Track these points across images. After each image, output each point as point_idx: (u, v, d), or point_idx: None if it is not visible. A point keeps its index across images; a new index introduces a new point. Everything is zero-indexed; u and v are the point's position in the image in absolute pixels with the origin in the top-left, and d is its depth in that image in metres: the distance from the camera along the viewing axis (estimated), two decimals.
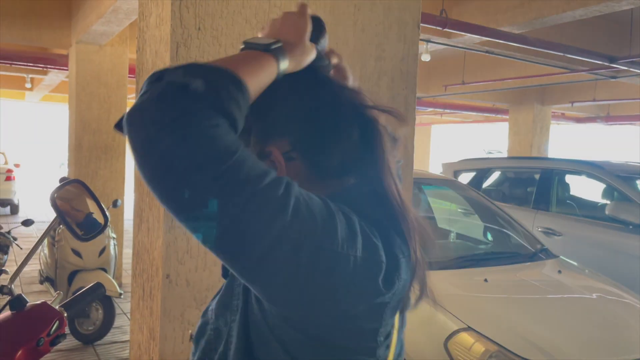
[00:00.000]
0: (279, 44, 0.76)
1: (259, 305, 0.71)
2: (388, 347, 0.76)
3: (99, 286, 1.29)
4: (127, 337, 4.08)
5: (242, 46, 0.77)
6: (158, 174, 0.61)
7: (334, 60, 0.89)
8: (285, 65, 0.76)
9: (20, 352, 1.08)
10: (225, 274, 0.84)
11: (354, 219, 0.70)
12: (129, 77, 6.11)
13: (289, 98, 0.79)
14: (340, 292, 0.67)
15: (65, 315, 1.19)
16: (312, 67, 0.81)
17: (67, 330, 1.20)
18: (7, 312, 1.16)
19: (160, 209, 1.77)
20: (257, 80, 0.71)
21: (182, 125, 0.60)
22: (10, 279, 1.16)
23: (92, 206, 1.24)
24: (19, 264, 1.20)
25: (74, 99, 5.83)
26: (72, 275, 4.12)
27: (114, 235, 4.71)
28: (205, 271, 1.80)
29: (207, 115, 0.61)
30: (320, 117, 0.79)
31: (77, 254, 4.13)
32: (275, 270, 0.64)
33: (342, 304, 0.68)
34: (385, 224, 0.75)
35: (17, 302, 1.15)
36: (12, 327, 1.11)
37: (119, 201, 4.78)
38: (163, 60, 1.76)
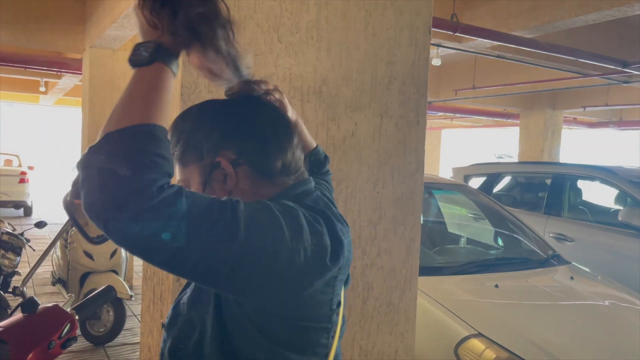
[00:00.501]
0: (153, 44, 0.79)
1: (233, 299, 0.83)
2: (338, 314, 0.92)
3: (110, 289, 1.30)
4: (137, 339, 4.11)
5: (131, 57, 0.81)
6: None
7: (276, 95, 1.01)
8: (177, 65, 0.82)
9: (31, 355, 1.09)
10: None
11: (299, 212, 0.84)
12: None
13: (229, 118, 0.93)
14: (300, 277, 0.81)
15: (77, 318, 1.20)
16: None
17: (78, 332, 1.21)
18: (19, 315, 1.17)
19: None
20: (167, 103, 0.79)
21: (133, 204, 0.68)
22: (23, 281, 1.17)
23: None
24: (31, 265, 1.21)
25: (87, 103, 5.89)
26: (84, 277, 4.16)
27: None
28: None
29: (145, 194, 0.68)
30: (259, 130, 0.93)
31: (89, 256, 4.17)
32: (244, 279, 0.76)
33: (303, 285, 0.83)
34: (327, 212, 0.90)
35: (29, 305, 1.16)
36: (23, 330, 1.12)
37: None
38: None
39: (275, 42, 1.84)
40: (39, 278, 5.47)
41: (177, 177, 0.93)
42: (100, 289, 1.29)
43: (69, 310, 1.20)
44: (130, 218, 0.66)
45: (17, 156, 11.51)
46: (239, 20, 1.77)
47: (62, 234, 1.26)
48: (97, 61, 5.75)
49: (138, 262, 6.08)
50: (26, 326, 1.13)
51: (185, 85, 1.72)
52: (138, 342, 4.03)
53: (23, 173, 10.24)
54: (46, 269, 5.05)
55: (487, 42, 5.04)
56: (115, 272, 4.44)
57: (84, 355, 3.82)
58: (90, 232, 1.21)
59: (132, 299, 4.00)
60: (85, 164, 0.70)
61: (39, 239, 7.05)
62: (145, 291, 2.04)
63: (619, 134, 14.52)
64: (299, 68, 1.88)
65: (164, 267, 0.73)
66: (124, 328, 4.13)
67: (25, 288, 1.17)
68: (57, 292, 4.70)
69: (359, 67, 1.95)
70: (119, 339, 4.09)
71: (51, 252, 4.27)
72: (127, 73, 5.40)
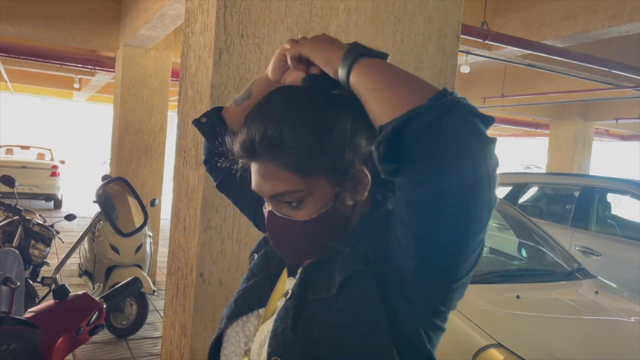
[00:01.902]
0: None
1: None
2: None
3: (136, 281, 1.34)
4: (159, 334, 4.18)
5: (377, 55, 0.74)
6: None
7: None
8: None
9: (61, 340, 1.14)
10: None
11: None
12: (172, 80, 6.28)
13: (357, 115, 0.77)
14: None
15: (104, 306, 1.25)
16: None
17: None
18: (50, 301, 1.22)
19: (197, 210, 1.82)
20: None
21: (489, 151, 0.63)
22: (55, 269, 1.22)
23: (133, 204, 1.29)
24: (59, 256, 1.26)
25: (118, 100, 6.03)
26: (109, 271, 4.26)
27: (150, 234, 4.83)
28: (237, 272, 1.84)
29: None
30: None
31: (115, 250, 4.26)
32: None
33: None
34: None
35: (60, 292, 1.21)
36: (55, 315, 1.16)
37: (157, 200, 4.90)
38: (206, 65, 1.81)
39: None
40: (66, 270, 5.61)
41: (276, 190, 0.78)
42: (127, 281, 1.34)
43: (97, 299, 1.24)
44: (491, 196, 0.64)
45: (49, 150, 11.83)
46: (269, 23, 1.82)
47: (92, 227, 1.30)
48: (129, 59, 5.88)
49: (162, 258, 6.19)
50: (57, 312, 1.17)
51: (215, 86, 1.77)
52: (159, 336, 4.10)
53: (55, 167, 10.51)
54: (73, 261, 5.17)
55: (517, 51, 4.98)
56: (140, 266, 4.54)
57: (107, 346, 3.91)
58: (120, 226, 1.25)
59: (155, 293, 4.08)
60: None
61: (68, 232, 7.24)
62: (169, 286, 2.09)
63: None
64: None
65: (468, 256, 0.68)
66: (146, 322, 4.21)
67: (58, 276, 1.22)
68: (83, 284, 4.82)
69: None
70: (141, 332, 4.17)
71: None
72: (157, 72, 5.47)
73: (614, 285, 3.27)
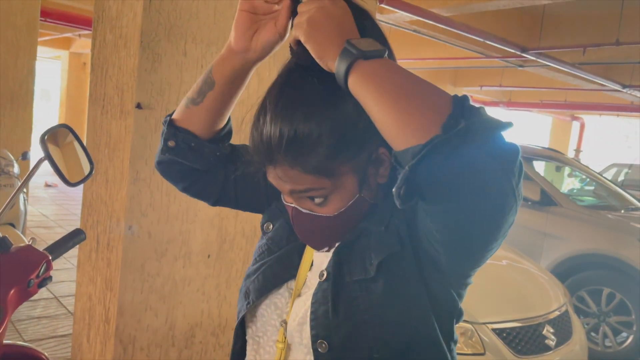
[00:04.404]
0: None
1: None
2: None
3: (79, 232, 1.29)
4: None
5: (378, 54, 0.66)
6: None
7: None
8: None
9: (12, 292, 1.08)
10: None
11: None
12: (41, 20, 5.66)
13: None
14: None
15: (50, 258, 1.20)
16: None
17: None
18: None
19: (124, 161, 1.76)
20: None
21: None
22: None
23: (79, 151, 1.23)
24: None
25: None
26: None
27: (24, 190, 4.45)
28: (167, 224, 1.83)
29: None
30: None
31: None
32: None
33: None
34: None
35: (1, 244, 1.13)
36: (2, 268, 1.10)
37: (29, 153, 4.51)
38: (133, 9, 1.72)
39: None
40: None
41: (297, 187, 0.73)
42: (70, 232, 1.28)
43: (41, 250, 1.19)
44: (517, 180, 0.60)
45: None
46: None
47: (32, 175, 1.23)
48: None
49: (30, 217, 5.73)
50: (4, 264, 1.11)
51: (145, 32, 1.69)
52: (44, 298, 3.86)
53: None
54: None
55: (406, 16, 5.26)
56: (13, 225, 4.18)
57: None
58: (69, 176, 1.19)
59: None
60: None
61: None
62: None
63: (507, 114, 15.85)
64: None
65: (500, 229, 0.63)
66: None
67: None
68: None
69: None
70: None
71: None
72: (23, 9, 4.78)
73: None
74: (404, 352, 0.73)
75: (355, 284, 0.74)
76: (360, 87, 0.64)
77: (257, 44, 0.75)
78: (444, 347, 0.75)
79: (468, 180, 0.58)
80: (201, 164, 0.87)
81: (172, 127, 0.85)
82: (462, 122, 0.57)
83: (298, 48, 0.72)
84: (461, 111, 0.59)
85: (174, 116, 0.86)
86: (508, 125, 0.59)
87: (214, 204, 0.95)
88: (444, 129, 0.57)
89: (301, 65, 0.72)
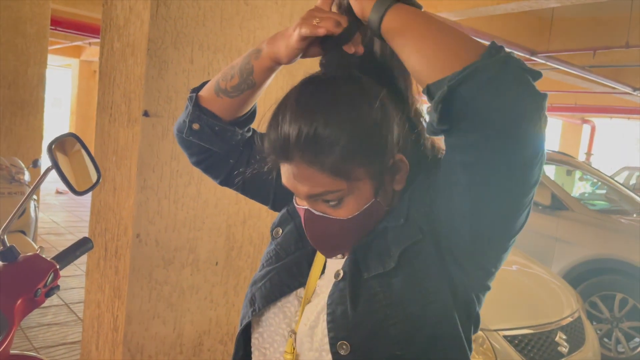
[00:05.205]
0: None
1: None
2: None
3: (87, 240, 1.29)
4: (55, 302, 3.94)
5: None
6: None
7: None
8: None
9: (19, 302, 1.08)
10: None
11: None
12: (51, 29, 5.72)
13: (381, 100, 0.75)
14: None
15: (58, 267, 1.19)
16: None
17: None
18: None
19: (131, 169, 1.76)
20: None
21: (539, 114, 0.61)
22: (3, 229, 1.14)
23: (87, 160, 1.23)
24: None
25: None
26: None
27: (35, 197, 4.48)
28: (174, 232, 1.83)
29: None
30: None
31: None
32: None
33: None
34: None
35: (9, 253, 1.13)
36: (10, 278, 1.10)
37: (40, 161, 4.54)
38: (140, 17, 1.73)
39: (242, 5, 1.86)
40: None
41: (314, 191, 0.72)
42: (77, 241, 1.28)
43: (49, 260, 1.19)
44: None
45: None
46: None
47: (40, 185, 1.23)
48: (0, 2, 5.23)
49: (42, 224, 5.77)
50: (12, 273, 1.11)
51: (152, 40, 1.69)
52: (54, 305, 3.88)
53: None
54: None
55: None
56: (24, 232, 4.20)
57: None
58: (76, 185, 1.19)
59: None
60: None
61: None
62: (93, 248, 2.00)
63: None
64: (262, 32, 1.92)
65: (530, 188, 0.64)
66: None
67: (5, 237, 1.14)
68: None
69: None
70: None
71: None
72: (33, 17, 4.87)
73: None
74: (427, 349, 0.71)
75: (374, 280, 0.73)
76: (395, 23, 0.65)
77: (303, 56, 0.76)
78: (466, 344, 0.74)
79: (504, 111, 0.58)
80: (220, 146, 0.87)
81: (197, 108, 0.85)
82: (502, 52, 0.59)
83: (326, 61, 0.77)
84: (500, 48, 0.60)
85: (201, 94, 0.86)
86: (538, 73, 0.61)
87: (221, 183, 0.94)
88: (482, 57, 0.59)
89: (326, 73, 0.76)
